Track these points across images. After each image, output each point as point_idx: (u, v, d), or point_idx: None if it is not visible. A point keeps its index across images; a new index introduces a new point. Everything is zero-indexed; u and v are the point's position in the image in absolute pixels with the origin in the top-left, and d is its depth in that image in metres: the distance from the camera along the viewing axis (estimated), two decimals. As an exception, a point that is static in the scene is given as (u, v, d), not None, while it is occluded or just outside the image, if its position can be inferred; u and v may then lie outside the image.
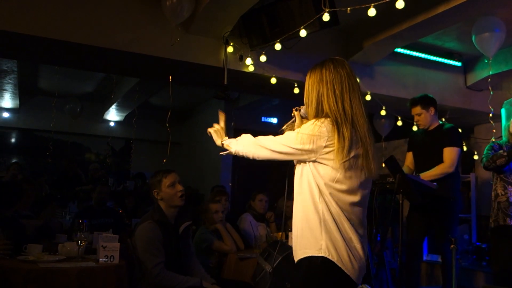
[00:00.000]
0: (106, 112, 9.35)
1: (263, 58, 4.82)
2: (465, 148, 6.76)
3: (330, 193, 1.78)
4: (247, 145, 1.98)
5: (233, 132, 8.07)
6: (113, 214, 5.00)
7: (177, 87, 6.93)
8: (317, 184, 1.81)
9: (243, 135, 2.04)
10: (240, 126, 8.00)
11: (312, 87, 1.95)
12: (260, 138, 1.96)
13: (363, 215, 1.88)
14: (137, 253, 3.02)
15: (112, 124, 9.96)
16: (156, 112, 9.14)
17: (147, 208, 6.50)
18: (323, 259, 1.75)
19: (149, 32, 4.55)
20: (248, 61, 4.89)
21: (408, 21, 4.57)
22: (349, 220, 1.79)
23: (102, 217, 4.73)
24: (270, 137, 1.94)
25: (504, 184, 3.34)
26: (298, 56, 5.10)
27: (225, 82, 4.87)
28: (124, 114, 9.45)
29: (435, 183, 3.51)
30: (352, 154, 1.79)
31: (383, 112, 6.07)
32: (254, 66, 4.93)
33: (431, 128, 4.02)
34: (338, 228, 1.77)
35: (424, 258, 5.96)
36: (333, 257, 1.74)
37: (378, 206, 3.70)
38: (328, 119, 1.84)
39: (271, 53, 4.77)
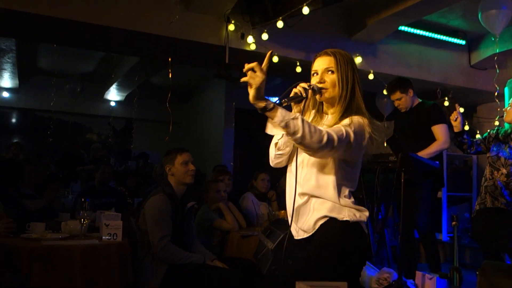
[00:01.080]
0: (106, 92, 9.31)
1: (265, 36, 4.76)
2: (467, 128, 6.75)
3: None
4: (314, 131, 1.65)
5: (234, 112, 8.06)
6: (115, 193, 5.02)
7: (178, 66, 6.88)
8: None
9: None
10: (241, 106, 7.99)
11: (347, 73, 1.88)
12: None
13: None
14: (144, 227, 3.04)
15: (113, 104, 9.92)
16: (157, 91, 9.08)
17: (149, 188, 6.54)
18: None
19: (149, 10, 4.49)
20: (250, 39, 4.84)
21: (413, -2, 4.51)
22: None
23: (105, 197, 4.75)
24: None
25: (491, 169, 3.38)
26: (300, 35, 5.04)
27: (227, 61, 4.82)
28: (125, 94, 9.40)
29: (437, 162, 3.51)
30: None
31: (385, 92, 6.03)
32: (256, 45, 4.87)
33: (413, 106, 4.02)
34: None
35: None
36: None
37: (380, 184, 3.71)
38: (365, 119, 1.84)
39: (273, 31, 4.71)
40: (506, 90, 5.39)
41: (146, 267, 3.00)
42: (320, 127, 1.69)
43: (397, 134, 4.18)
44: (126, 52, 6.20)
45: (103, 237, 2.79)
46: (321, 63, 1.92)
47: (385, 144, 4.05)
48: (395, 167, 3.19)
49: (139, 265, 3.03)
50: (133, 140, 9.76)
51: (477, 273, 1.69)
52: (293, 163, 1.89)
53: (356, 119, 1.82)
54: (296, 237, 1.93)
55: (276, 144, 1.92)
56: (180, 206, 3.16)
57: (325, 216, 1.84)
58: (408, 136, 4.03)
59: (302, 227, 1.91)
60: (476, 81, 6.33)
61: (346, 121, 1.81)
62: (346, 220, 1.82)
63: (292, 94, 1.81)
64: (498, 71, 5.26)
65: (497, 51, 5.48)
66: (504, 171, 3.31)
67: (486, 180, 3.42)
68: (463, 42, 6.16)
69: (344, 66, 1.88)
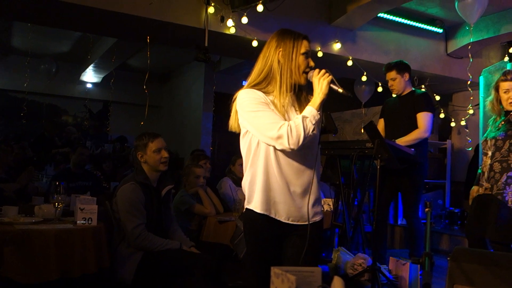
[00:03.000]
0: (83, 73, 9.12)
1: (244, 20, 4.71)
2: (442, 115, 6.86)
3: None
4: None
5: (213, 95, 8.00)
6: (91, 177, 4.95)
7: (157, 49, 6.77)
8: None
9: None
10: (220, 90, 7.94)
11: None
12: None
13: None
14: (118, 215, 3.01)
15: (89, 85, 9.73)
16: (135, 74, 8.96)
17: (126, 172, 6.48)
18: None
19: (127, -11, 4.38)
20: (230, 22, 4.78)
21: (393, -15, 4.52)
22: None
23: (80, 180, 4.68)
24: None
25: (483, 156, 3.40)
26: (280, 19, 5.01)
27: (206, 44, 4.76)
28: (102, 76, 9.23)
29: (413, 149, 3.56)
30: None
31: (364, 78, 6.07)
32: (236, 28, 4.83)
33: (404, 93, 4.07)
34: None
35: (399, 222, 6.13)
36: None
37: (356, 171, 3.75)
38: None
39: (253, 15, 4.67)
40: (481, 79, 5.48)
41: (121, 252, 2.98)
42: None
43: (384, 118, 4.22)
44: (104, 33, 6.06)
45: (78, 222, 2.76)
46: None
47: (362, 131, 4.09)
48: (371, 153, 3.22)
49: (114, 250, 3.01)
50: (109, 123, 9.62)
51: (448, 258, 1.73)
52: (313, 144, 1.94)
53: None
54: (300, 222, 1.94)
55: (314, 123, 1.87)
56: (154, 192, 3.12)
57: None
58: (394, 121, 4.09)
59: (316, 210, 1.98)
60: (452, 70, 6.42)
61: None
62: None
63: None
64: (471, 60, 5.34)
65: (472, 40, 5.56)
66: (489, 152, 3.32)
67: (480, 166, 3.46)
68: (440, 30, 6.23)
69: None
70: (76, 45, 7.97)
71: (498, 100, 3.34)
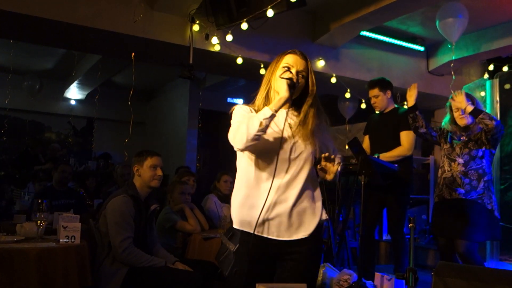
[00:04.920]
0: (67, 90, 9.06)
1: (229, 38, 4.76)
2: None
3: None
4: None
5: (199, 112, 8.01)
6: (74, 195, 4.89)
7: (142, 66, 6.78)
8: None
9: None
10: (206, 107, 7.96)
11: (313, 80, 1.97)
12: None
13: None
14: (104, 228, 2.98)
15: (73, 102, 9.67)
16: (120, 91, 8.90)
17: (110, 189, 6.41)
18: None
19: (112, 7, 4.40)
20: (214, 40, 4.82)
21: (374, 4, 4.61)
22: None
23: (63, 198, 4.62)
24: None
25: (449, 161, 3.50)
26: (264, 37, 5.07)
27: (191, 61, 4.79)
28: (86, 92, 9.18)
29: (396, 165, 3.61)
30: None
31: (347, 95, 6.15)
32: (220, 46, 4.87)
33: (387, 111, 4.13)
34: None
35: (384, 237, 6.16)
36: None
37: (341, 187, 3.78)
38: None
39: (237, 32, 4.71)
40: (462, 96, 5.58)
41: (105, 270, 2.94)
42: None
43: (369, 134, 4.27)
44: (88, 50, 6.05)
45: (61, 240, 2.71)
46: (297, 63, 1.93)
47: (346, 147, 4.13)
48: (356, 169, 3.26)
49: (98, 268, 2.97)
50: (94, 140, 9.54)
51: (432, 273, 1.75)
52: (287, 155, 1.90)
53: None
54: (281, 238, 1.91)
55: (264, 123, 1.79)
56: (143, 208, 3.12)
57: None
58: (378, 138, 4.13)
59: (300, 228, 1.91)
60: (434, 87, 6.54)
61: None
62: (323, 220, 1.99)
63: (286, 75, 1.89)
64: (454, 78, 5.46)
65: (453, 58, 5.69)
66: (461, 160, 3.43)
67: (444, 172, 3.52)
68: (421, 48, 6.36)
69: (311, 74, 1.96)
70: (60, 62, 7.94)
71: (453, 120, 3.55)
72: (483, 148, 3.40)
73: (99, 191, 6.79)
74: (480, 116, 3.28)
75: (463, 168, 3.41)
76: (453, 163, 3.47)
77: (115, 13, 4.41)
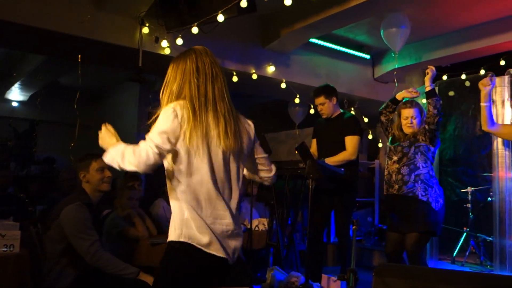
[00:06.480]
0: (8, 91, 8.65)
1: (179, 41, 4.73)
2: (370, 137, 7.21)
3: None
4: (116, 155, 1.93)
5: (148, 115, 7.87)
6: (14, 200, 4.67)
7: (89, 67, 6.59)
8: None
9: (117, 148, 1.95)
10: (157, 110, 7.82)
11: (174, 77, 2.02)
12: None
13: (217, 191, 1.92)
14: (57, 236, 2.84)
15: (15, 104, 9.24)
16: (65, 92, 8.56)
17: (53, 194, 6.16)
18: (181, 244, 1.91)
19: (58, 7, 4.26)
20: (164, 43, 4.78)
21: (323, 12, 4.74)
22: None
23: (2, 204, 4.40)
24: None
25: (388, 160, 3.67)
26: (215, 41, 5.07)
27: (140, 64, 4.71)
28: (29, 94, 8.80)
29: (343, 169, 3.71)
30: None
31: (297, 100, 6.26)
32: (171, 49, 4.83)
33: (333, 116, 4.23)
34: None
35: (332, 240, 6.30)
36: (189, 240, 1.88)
37: (289, 190, 3.84)
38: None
39: (188, 36, 4.69)
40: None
41: (52, 278, 2.82)
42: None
43: (316, 138, 4.36)
44: (32, 50, 5.81)
45: (-2, 249, 2.60)
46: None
47: (295, 152, 4.20)
48: (304, 173, 3.32)
49: (44, 277, 2.84)
50: (36, 143, 9.15)
51: (373, 274, 1.81)
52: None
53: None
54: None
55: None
56: (97, 213, 3.03)
57: None
58: (325, 142, 4.22)
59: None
60: (379, 93, 6.79)
61: None
62: None
63: None
64: (397, 85, 5.69)
65: (396, 66, 5.93)
66: (395, 158, 3.59)
67: (385, 171, 3.72)
68: (367, 56, 6.59)
69: (170, 71, 2.12)
70: (0, 62, 7.56)
71: (400, 126, 3.68)
72: (421, 143, 3.55)
73: (42, 196, 6.51)
74: (434, 99, 3.48)
75: (397, 165, 3.57)
76: (389, 161, 3.65)
77: (61, 13, 4.27)
